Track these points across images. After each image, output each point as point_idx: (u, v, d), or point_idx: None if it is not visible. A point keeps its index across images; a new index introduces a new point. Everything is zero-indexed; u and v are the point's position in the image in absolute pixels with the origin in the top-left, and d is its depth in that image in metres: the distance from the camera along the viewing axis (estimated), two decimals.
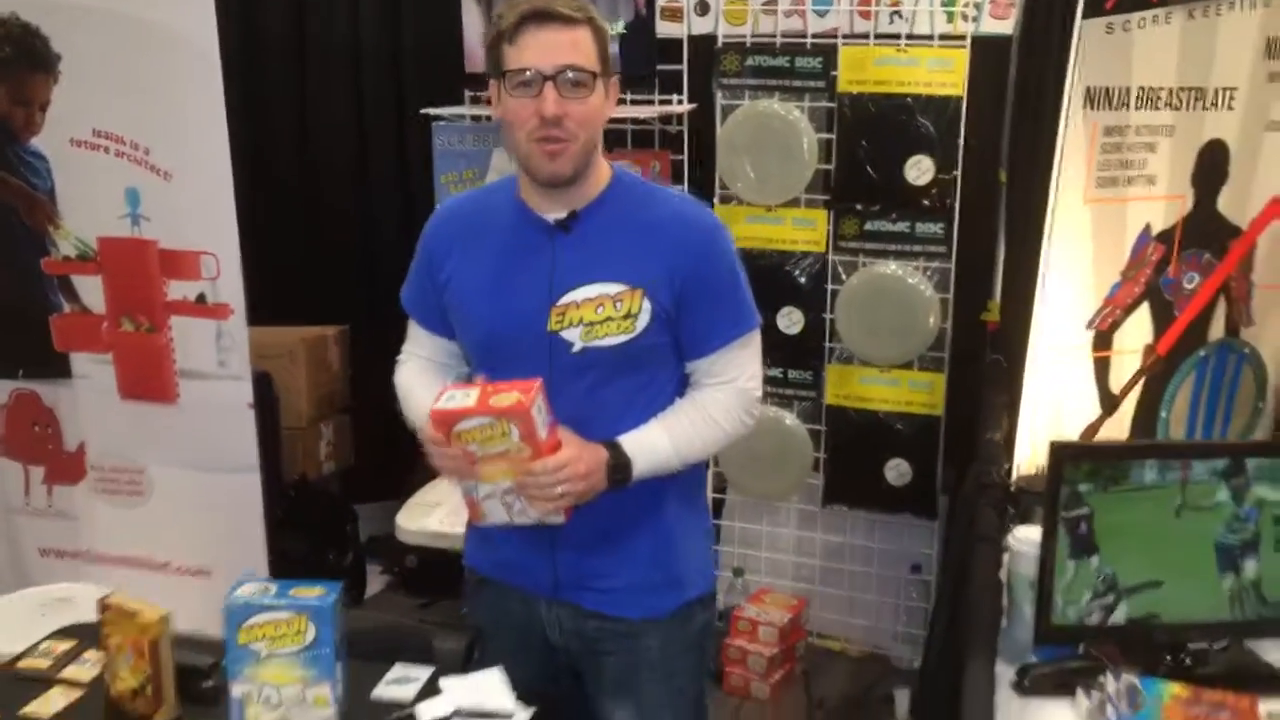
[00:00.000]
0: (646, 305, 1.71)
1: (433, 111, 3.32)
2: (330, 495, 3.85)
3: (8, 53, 2.90)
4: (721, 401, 1.79)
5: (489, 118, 3.31)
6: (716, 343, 1.77)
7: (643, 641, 1.85)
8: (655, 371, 1.78)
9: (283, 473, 3.55)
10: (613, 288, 1.71)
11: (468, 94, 3.41)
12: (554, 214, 1.74)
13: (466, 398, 1.63)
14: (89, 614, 2.10)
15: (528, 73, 1.63)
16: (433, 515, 3.09)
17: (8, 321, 3.14)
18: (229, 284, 2.89)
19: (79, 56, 2.87)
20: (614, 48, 1.79)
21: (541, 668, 1.89)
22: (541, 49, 1.63)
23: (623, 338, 1.71)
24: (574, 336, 1.71)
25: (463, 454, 1.64)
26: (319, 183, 3.95)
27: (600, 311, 1.71)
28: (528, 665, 1.85)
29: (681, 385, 1.82)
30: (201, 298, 2.92)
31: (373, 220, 3.94)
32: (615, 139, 3.24)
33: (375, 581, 3.89)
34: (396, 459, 3.79)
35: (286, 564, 3.13)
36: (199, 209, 2.85)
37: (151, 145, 2.84)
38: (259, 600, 1.66)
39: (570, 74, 1.63)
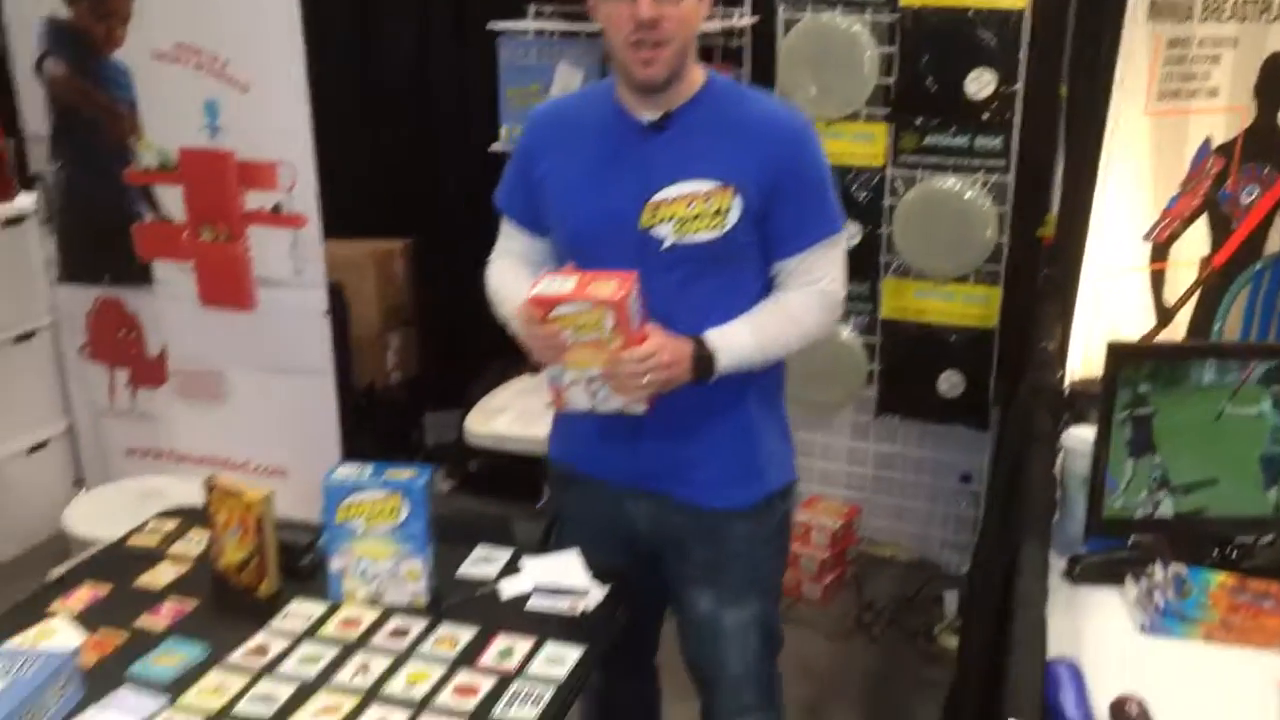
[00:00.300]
0: (737, 203, 1.76)
1: (499, 26, 3.37)
2: (397, 403, 3.98)
3: None
4: (805, 302, 1.84)
5: (553, 33, 3.35)
6: (804, 242, 1.82)
7: (726, 532, 1.91)
8: (741, 272, 1.83)
9: (353, 380, 3.68)
10: (704, 185, 1.75)
11: (532, 8, 3.44)
12: (649, 115, 1.79)
13: (565, 284, 1.69)
14: (181, 503, 2.25)
15: None
16: (500, 419, 3.21)
17: (93, 230, 3.27)
18: (304, 194, 3.00)
19: None
20: None
21: (625, 556, 1.96)
22: None
23: (713, 234, 1.76)
24: (665, 233, 1.76)
25: (556, 334, 1.70)
26: (384, 99, 4.01)
27: (691, 208, 1.75)
28: (610, 556, 1.93)
29: (766, 290, 1.87)
30: (278, 208, 3.03)
31: (436, 136, 4.00)
32: None
33: (439, 486, 4.04)
34: (459, 369, 3.92)
35: None
36: (275, 120, 2.94)
37: (230, 57, 2.93)
38: (356, 480, 1.78)
39: None
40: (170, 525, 2.10)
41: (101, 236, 3.26)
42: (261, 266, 3.11)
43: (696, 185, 1.75)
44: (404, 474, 1.80)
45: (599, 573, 1.89)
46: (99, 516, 2.81)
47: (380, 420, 3.87)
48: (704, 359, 1.77)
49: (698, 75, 1.81)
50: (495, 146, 3.42)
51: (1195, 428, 1.87)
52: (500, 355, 3.76)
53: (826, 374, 3.31)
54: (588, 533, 1.99)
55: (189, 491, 2.60)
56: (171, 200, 3.15)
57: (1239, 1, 2.57)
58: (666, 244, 1.77)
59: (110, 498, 3.04)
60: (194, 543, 2.03)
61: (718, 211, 1.76)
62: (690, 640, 2.01)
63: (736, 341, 1.80)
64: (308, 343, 3.13)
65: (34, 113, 3.22)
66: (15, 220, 3.38)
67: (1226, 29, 2.58)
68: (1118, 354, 1.86)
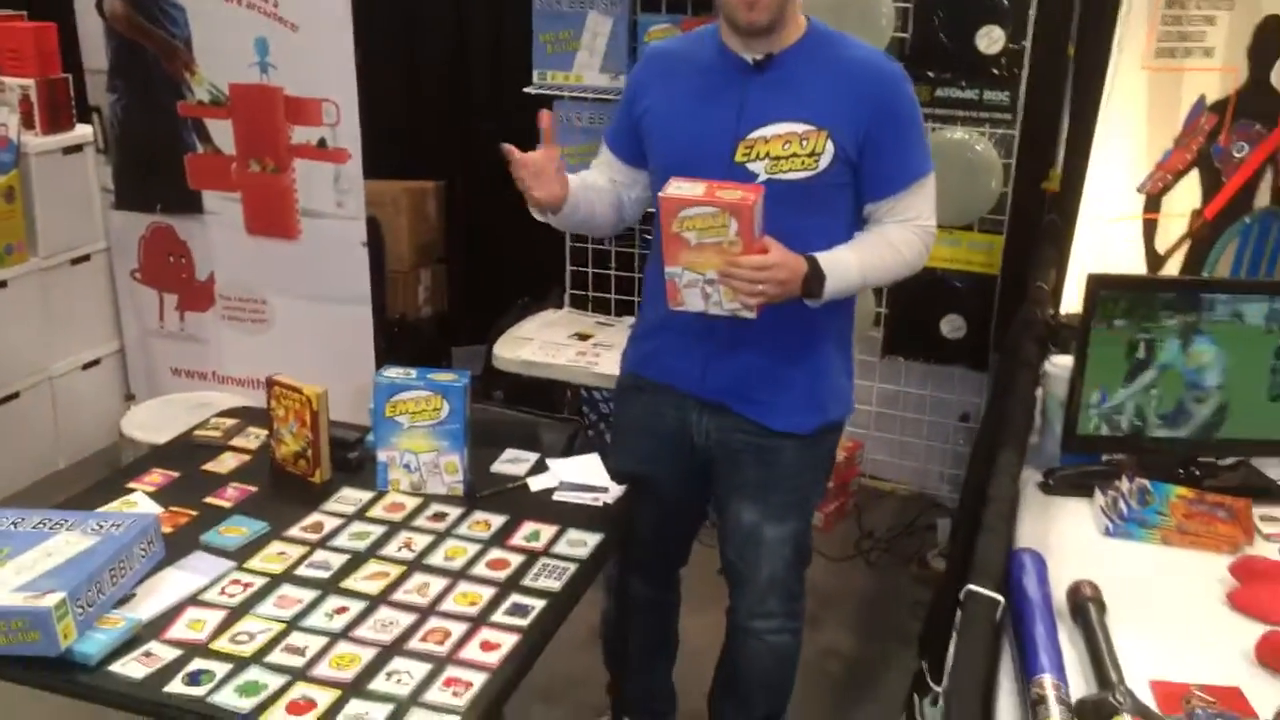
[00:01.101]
0: (830, 146, 1.85)
1: None
2: (427, 335, 4.18)
3: None
4: (905, 236, 1.95)
5: None
6: (899, 184, 1.92)
7: (780, 453, 2.03)
8: (832, 213, 1.93)
9: (386, 312, 3.88)
10: (800, 127, 1.85)
11: None
12: (752, 55, 1.91)
13: (695, 188, 1.78)
14: None
15: None
16: (526, 348, 3.40)
17: (147, 160, 3.47)
18: (348, 130, 3.18)
19: None
20: None
21: (679, 466, 2.11)
22: None
23: (805, 173, 1.86)
24: (759, 169, 1.86)
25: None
26: (422, 45, 4.17)
27: (786, 148, 1.86)
28: (668, 463, 2.09)
29: (855, 227, 1.97)
30: (322, 142, 3.21)
31: (471, 81, 4.17)
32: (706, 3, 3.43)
33: None
34: (485, 306, 4.11)
35: None
36: (322, 59, 3.12)
37: None
38: (403, 380, 1.98)
39: None
40: (230, 422, 2.30)
41: (154, 166, 3.45)
42: (305, 198, 3.30)
43: (792, 126, 1.86)
44: (446, 376, 2.00)
45: (648, 480, 2.07)
46: (156, 424, 3.02)
47: (410, 351, 4.05)
48: (815, 278, 1.85)
49: (801, 22, 1.92)
50: (527, 89, 3.58)
51: (1173, 359, 2.04)
52: (526, 292, 3.97)
53: None
54: (648, 439, 2.11)
55: (236, 403, 2.81)
56: (222, 133, 3.34)
57: None
58: (760, 179, 1.86)
59: (163, 408, 3.25)
60: (252, 437, 2.24)
61: (812, 153, 1.86)
62: (730, 544, 2.14)
63: (844, 266, 1.89)
64: (347, 272, 3.32)
65: (93, 48, 3.40)
66: (73, 149, 3.56)
67: None
68: (1096, 284, 2.03)
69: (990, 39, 3.16)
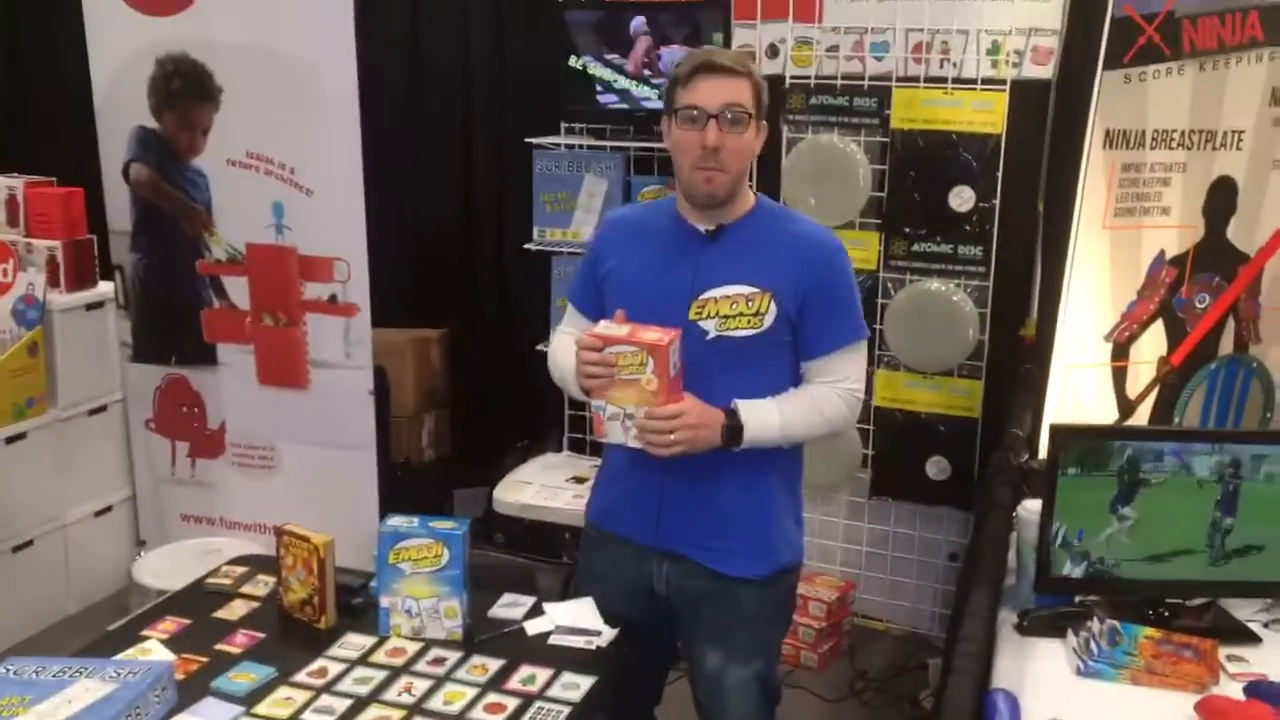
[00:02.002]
0: (773, 307, 2.04)
1: (534, 140, 3.76)
2: (430, 479, 4.29)
3: (178, 86, 3.40)
4: (828, 396, 2.10)
5: (583, 146, 3.74)
6: (829, 345, 2.09)
7: (738, 598, 2.14)
8: (774, 365, 2.09)
9: (390, 456, 3.99)
10: (746, 289, 2.04)
11: (564, 125, 3.84)
12: (705, 225, 2.09)
13: (620, 327, 1.98)
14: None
15: (695, 110, 1.99)
16: (525, 491, 3.52)
17: (165, 315, 3.63)
18: (357, 286, 3.35)
19: (238, 88, 3.36)
20: None
21: (643, 613, 2.21)
22: (708, 91, 1.99)
23: (751, 331, 2.04)
24: (710, 326, 2.04)
25: (610, 361, 1.96)
26: (428, 201, 4.39)
27: (734, 307, 2.04)
28: (630, 610, 2.19)
29: (796, 383, 2.13)
30: (333, 298, 3.38)
31: (473, 236, 4.38)
32: None
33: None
34: (486, 449, 4.24)
35: None
36: (334, 221, 3.31)
37: (297, 165, 3.31)
38: (406, 528, 2.09)
39: (730, 113, 1.98)
40: (240, 569, 2.40)
41: (172, 321, 3.61)
42: (316, 350, 3.44)
43: (740, 289, 2.05)
44: (446, 524, 2.11)
45: (616, 624, 2.16)
46: (166, 570, 3.11)
47: (414, 494, 4.15)
48: (734, 428, 2.02)
49: (750, 198, 2.13)
50: (528, 245, 3.78)
51: (1152, 503, 2.14)
52: (526, 436, 4.09)
53: (825, 458, 3.60)
54: (612, 588, 2.23)
55: (243, 550, 2.91)
56: (237, 289, 3.51)
57: (1186, 132, 2.92)
58: (710, 335, 2.05)
59: (173, 554, 3.34)
60: (261, 584, 2.33)
61: (757, 313, 2.04)
62: (699, 688, 2.25)
63: (764, 417, 2.05)
64: (354, 419, 3.45)
65: (118, 211, 3.60)
66: (95, 305, 3.73)
67: (1176, 155, 2.93)
68: (1059, 433, 2.16)
69: (961, 198, 3.36)
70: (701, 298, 2.06)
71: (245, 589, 2.32)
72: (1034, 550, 2.18)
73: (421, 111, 4.34)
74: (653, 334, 1.96)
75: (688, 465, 2.05)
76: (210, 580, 2.36)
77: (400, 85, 4.31)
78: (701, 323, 2.06)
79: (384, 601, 2.12)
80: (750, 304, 2.05)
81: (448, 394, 4.42)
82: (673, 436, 1.98)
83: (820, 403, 2.11)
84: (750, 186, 2.16)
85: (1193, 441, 2.16)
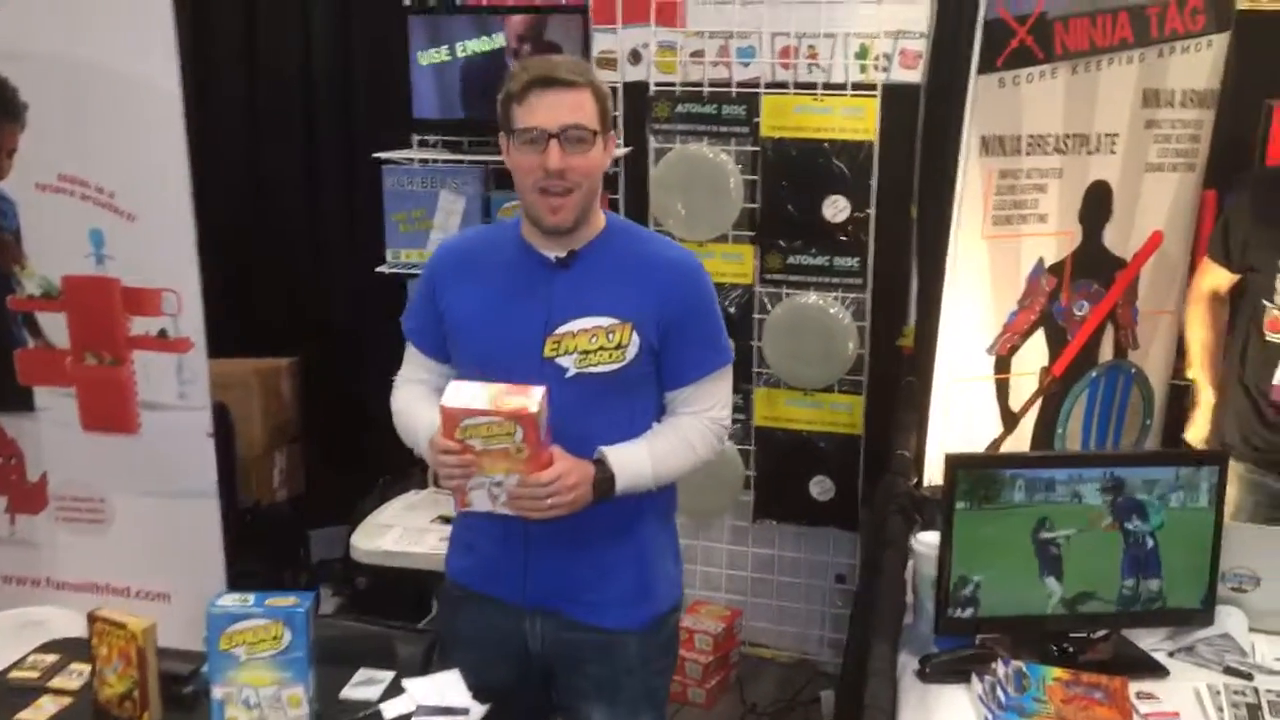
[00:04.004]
0: (635, 338, 1.88)
1: (383, 155, 3.50)
2: (284, 520, 3.99)
3: None
4: (696, 428, 1.96)
5: (436, 161, 3.50)
6: (694, 374, 1.96)
7: (619, 650, 2.00)
8: (639, 398, 1.95)
9: (238, 499, 3.69)
10: (606, 320, 1.88)
11: (415, 138, 3.59)
12: (554, 252, 1.92)
13: (476, 396, 1.77)
14: (62, 634, 2.26)
15: (534, 131, 1.81)
16: (386, 536, 3.26)
17: None
18: (190, 319, 3.04)
19: (45, 104, 3.00)
20: None
21: (516, 674, 2.03)
22: (547, 110, 1.81)
23: (614, 365, 1.89)
24: (568, 363, 1.88)
25: (468, 457, 1.78)
26: (271, 221, 4.09)
27: (594, 341, 1.88)
28: (503, 673, 2.01)
29: (660, 413, 2.00)
30: (163, 332, 3.06)
31: (323, 257, 4.09)
32: None
33: (326, 603, 4.02)
34: (344, 486, 3.95)
35: (243, 587, 3.23)
36: (161, 248, 2.99)
37: (116, 189, 2.98)
38: (239, 609, 1.84)
39: (572, 132, 1.82)
40: (50, 659, 2.11)
41: None
42: (146, 390, 3.12)
43: (598, 320, 1.88)
44: (286, 601, 1.86)
45: (486, 691, 1.95)
46: None
47: (267, 538, 3.86)
48: (605, 480, 1.87)
49: (600, 218, 1.95)
50: (381, 268, 3.52)
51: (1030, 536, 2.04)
52: (386, 471, 3.83)
53: (706, 482, 3.44)
54: (480, 650, 2.04)
55: (68, 622, 2.60)
56: (55, 327, 3.16)
57: (1061, 136, 2.85)
58: (570, 373, 1.88)
59: None
60: (75, 676, 2.04)
61: (618, 345, 1.88)
62: None
63: (634, 463, 1.91)
64: (192, 464, 3.14)
65: None
66: None
67: (1051, 161, 2.85)
68: (954, 463, 2.03)
69: (836, 208, 3.25)
70: (557, 333, 1.88)
71: (55, 682, 2.03)
72: (932, 587, 2.06)
73: (259, 124, 4.02)
74: (516, 398, 1.76)
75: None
76: (15, 674, 2.06)
77: (236, 97, 3.99)
78: (559, 360, 1.88)
79: (217, 693, 1.86)
80: (611, 336, 1.88)
81: (299, 428, 4.12)
82: (549, 502, 1.80)
83: (690, 437, 1.97)
84: (615, 197, 1.97)
85: (1081, 467, 2.06)
